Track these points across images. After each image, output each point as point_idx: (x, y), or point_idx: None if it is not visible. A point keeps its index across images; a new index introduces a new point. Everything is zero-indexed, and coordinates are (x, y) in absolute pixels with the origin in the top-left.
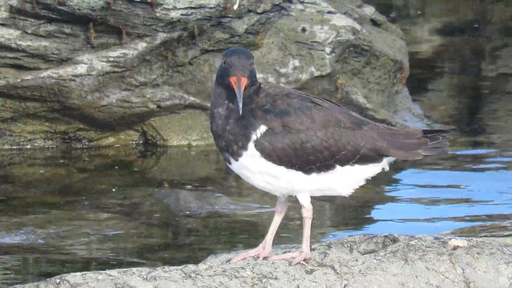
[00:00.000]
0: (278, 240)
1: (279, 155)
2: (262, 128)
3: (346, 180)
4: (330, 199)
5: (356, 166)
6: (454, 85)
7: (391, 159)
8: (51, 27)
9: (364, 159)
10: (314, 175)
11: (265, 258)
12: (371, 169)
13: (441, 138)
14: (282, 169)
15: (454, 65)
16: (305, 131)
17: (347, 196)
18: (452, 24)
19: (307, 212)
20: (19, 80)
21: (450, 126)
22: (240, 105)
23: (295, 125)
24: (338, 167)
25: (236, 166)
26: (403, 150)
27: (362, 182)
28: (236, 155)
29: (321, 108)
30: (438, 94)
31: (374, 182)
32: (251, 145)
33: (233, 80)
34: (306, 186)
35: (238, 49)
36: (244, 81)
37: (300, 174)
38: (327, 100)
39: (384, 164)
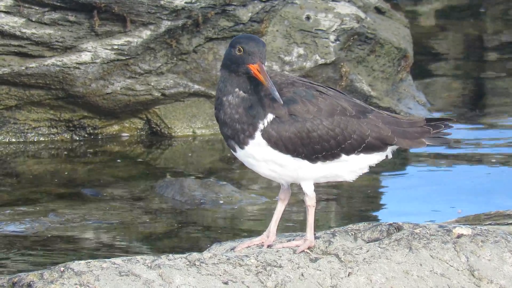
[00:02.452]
0: (282, 228)
1: (285, 144)
2: (269, 117)
3: (351, 167)
4: (336, 188)
5: (361, 154)
6: (458, 70)
7: (394, 147)
8: (55, 15)
9: (369, 148)
10: (319, 164)
11: (269, 246)
12: (376, 157)
13: (443, 126)
14: (288, 158)
15: (458, 50)
16: (312, 120)
17: (351, 181)
18: (456, 7)
19: (311, 200)
20: (23, 68)
21: (452, 115)
22: (277, 93)
23: (301, 113)
24: (343, 156)
25: (241, 154)
26: (407, 138)
27: (367, 169)
28: (243, 144)
29: (326, 96)
30: (442, 79)
31: (379, 170)
32: (258, 134)
33: (254, 68)
34: (312, 174)
35: (252, 36)
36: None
37: (305, 162)
38: (331, 88)
39: (388, 152)
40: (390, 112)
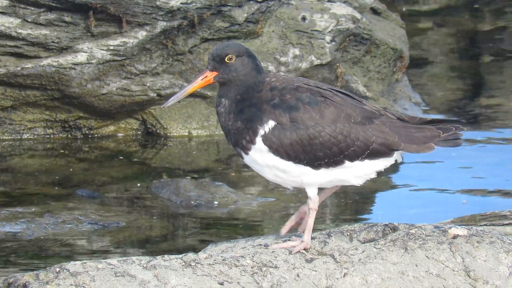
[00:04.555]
0: (278, 229)
1: (286, 150)
2: (271, 123)
3: (356, 174)
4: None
5: (366, 161)
6: (454, 70)
7: (402, 152)
8: (51, 16)
9: (374, 154)
10: (323, 170)
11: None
12: (382, 163)
13: (454, 129)
14: (290, 164)
15: (454, 49)
16: (314, 127)
17: (359, 185)
18: (452, 5)
19: (314, 204)
20: (19, 69)
21: (448, 115)
22: (169, 102)
23: (303, 120)
24: (347, 162)
25: (247, 159)
26: (414, 143)
27: (374, 175)
28: (246, 149)
29: (331, 102)
30: (437, 79)
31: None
32: (259, 140)
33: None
34: (316, 180)
35: (219, 44)
36: (207, 74)
37: (308, 169)
38: (341, 92)
39: (396, 157)
40: (401, 113)
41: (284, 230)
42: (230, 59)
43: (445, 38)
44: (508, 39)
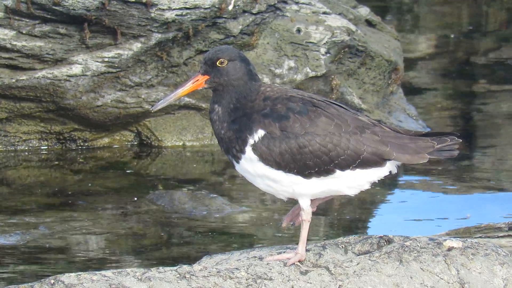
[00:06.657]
0: (274, 240)
1: (276, 159)
2: (260, 133)
3: (348, 184)
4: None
5: (358, 170)
6: (449, 87)
7: (396, 162)
8: (46, 27)
9: (366, 164)
10: (314, 179)
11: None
12: (375, 173)
13: (449, 140)
14: (280, 173)
15: (449, 67)
16: (303, 136)
17: (352, 195)
18: (447, 27)
19: (307, 215)
20: (14, 80)
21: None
22: (159, 105)
23: (293, 130)
24: (338, 171)
25: (238, 168)
26: (407, 153)
27: (367, 186)
28: (237, 158)
29: (322, 112)
30: (432, 95)
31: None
32: (248, 149)
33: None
34: (307, 190)
35: (215, 47)
36: (198, 78)
37: (299, 178)
38: (335, 103)
39: (390, 168)
40: (397, 126)
41: (285, 222)
42: (221, 63)
43: (440, 58)
44: (502, 60)
